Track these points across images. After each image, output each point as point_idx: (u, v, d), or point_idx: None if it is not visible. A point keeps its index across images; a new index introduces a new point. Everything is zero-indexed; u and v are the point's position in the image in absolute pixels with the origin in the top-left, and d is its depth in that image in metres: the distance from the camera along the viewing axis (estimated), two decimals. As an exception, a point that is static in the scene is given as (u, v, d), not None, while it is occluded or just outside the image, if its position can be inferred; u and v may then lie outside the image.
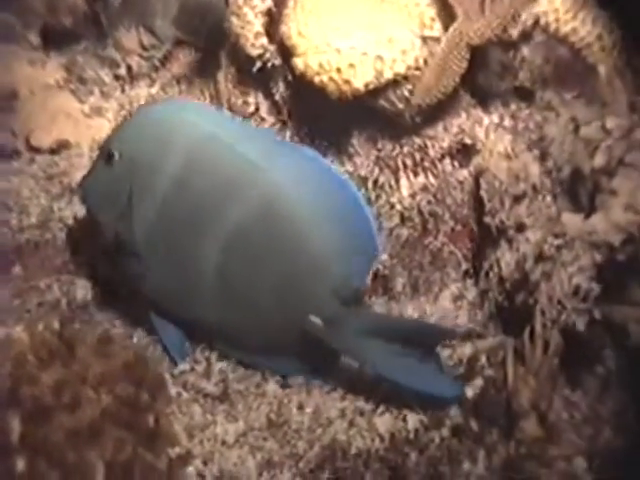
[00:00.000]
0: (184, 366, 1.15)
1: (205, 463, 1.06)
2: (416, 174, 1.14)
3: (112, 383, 1.01)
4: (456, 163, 1.14)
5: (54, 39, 1.64)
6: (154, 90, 1.56)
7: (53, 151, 1.49)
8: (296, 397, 1.13)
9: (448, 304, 1.16)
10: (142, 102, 1.55)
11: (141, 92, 1.55)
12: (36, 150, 1.49)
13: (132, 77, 1.57)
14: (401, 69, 0.98)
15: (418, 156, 1.12)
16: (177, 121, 1.11)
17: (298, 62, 1.00)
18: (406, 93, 1.02)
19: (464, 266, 1.18)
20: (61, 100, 1.53)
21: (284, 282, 1.10)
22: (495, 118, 1.14)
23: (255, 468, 1.05)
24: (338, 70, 0.98)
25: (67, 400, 0.96)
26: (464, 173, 1.14)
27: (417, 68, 1.00)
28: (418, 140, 1.11)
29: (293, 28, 1.01)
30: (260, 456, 1.06)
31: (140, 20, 1.54)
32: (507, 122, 1.13)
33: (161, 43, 1.56)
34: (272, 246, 1.09)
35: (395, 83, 1.01)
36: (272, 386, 1.13)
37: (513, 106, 1.13)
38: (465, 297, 1.16)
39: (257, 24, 1.07)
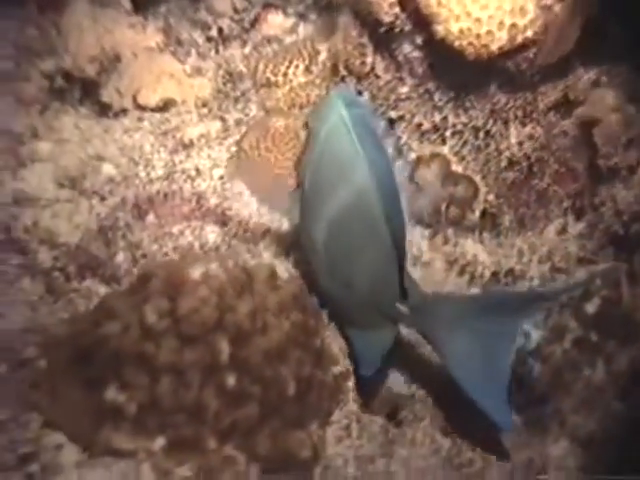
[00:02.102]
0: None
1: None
2: (524, 125, 1.31)
3: (286, 311, 1.17)
4: (559, 115, 1.32)
5: (144, 3, 1.75)
6: (247, 50, 1.69)
7: (160, 109, 1.60)
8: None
9: (553, 236, 1.33)
10: (237, 62, 1.67)
11: (235, 52, 1.69)
12: (142, 108, 1.61)
13: (223, 38, 1.70)
14: (530, 34, 1.15)
15: (528, 109, 1.29)
16: (329, 106, 1.25)
17: (439, 29, 1.17)
18: (531, 55, 1.19)
19: (566, 204, 1.36)
20: (163, 61, 1.65)
21: (375, 267, 1.22)
22: (593, 75, 1.31)
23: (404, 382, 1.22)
24: (477, 36, 1.14)
25: (259, 325, 1.12)
26: (567, 123, 1.31)
27: (542, 34, 1.17)
28: (529, 95, 1.28)
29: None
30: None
31: (234, -17, 1.67)
32: (604, 79, 1.31)
33: (252, 6, 1.68)
34: (362, 232, 1.21)
35: (523, 47, 1.17)
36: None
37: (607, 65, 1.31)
38: (568, 231, 1.34)
39: (392, -6, 1.23)
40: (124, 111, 1.64)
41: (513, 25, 1.17)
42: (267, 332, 1.12)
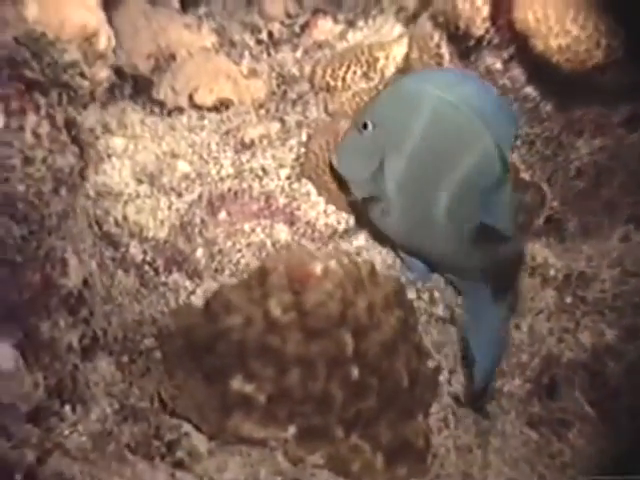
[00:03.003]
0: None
1: (450, 373, 1.29)
2: (595, 137, 1.41)
3: (390, 306, 1.24)
4: (629, 128, 1.42)
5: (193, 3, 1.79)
6: (298, 54, 1.75)
7: (216, 109, 1.65)
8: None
9: (617, 243, 1.43)
10: (290, 64, 1.73)
11: (287, 56, 1.74)
12: (199, 107, 1.66)
13: (274, 42, 1.75)
14: (620, 55, 1.25)
15: (601, 121, 1.39)
16: (417, 92, 1.38)
17: (538, 43, 1.25)
18: (616, 75, 1.29)
19: (629, 211, 1.46)
20: (219, 62, 1.69)
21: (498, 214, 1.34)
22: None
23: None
24: (576, 53, 1.23)
25: (376, 320, 1.19)
26: (635, 137, 1.42)
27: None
28: (603, 109, 1.38)
29: (530, 15, 1.25)
30: (493, 367, 1.31)
31: (288, -11, 1.72)
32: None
33: (303, 11, 1.74)
34: (489, 188, 1.35)
35: (610, 65, 1.27)
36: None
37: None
38: (632, 239, 1.44)
39: (485, 10, 1.31)
40: (179, 109, 1.65)
41: (609, 45, 1.25)
42: (381, 326, 1.18)
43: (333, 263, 1.18)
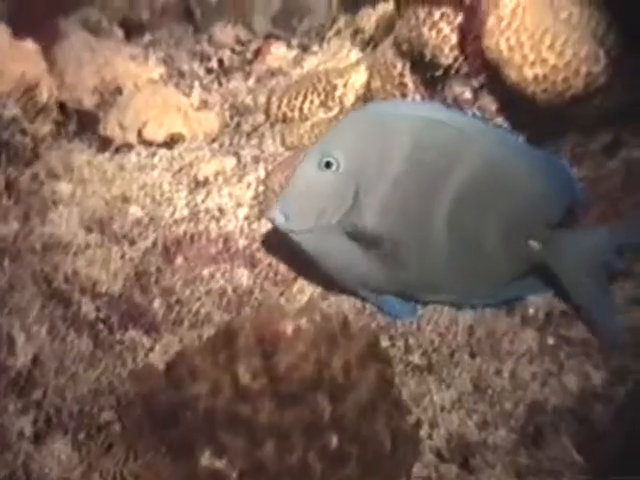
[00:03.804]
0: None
1: (431, 426, 1.21)
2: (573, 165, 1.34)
3: (366, 362, 1.15)
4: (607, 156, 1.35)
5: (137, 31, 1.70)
6: (251, 83, 1.66)
7: (167, 144, 1.55)
8: (490, 365, 1.28)
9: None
10: (243, 94, 1.64)
11: (239, 85, 1.65)
12: (149, 144, 1.56)
13: (225, 71, 1.66)
14: (602, 82, 1.17)
15: (579, 150, 1.32)
16: (388, 116, 1.29)
17: (512, 74, 1.17)
18: (597, 102, 1.21)
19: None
20: (168, 94, 1.60)
21: (506, 220, 1.30)
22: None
23: (475, 427, 1.21)
24: (553, 84, 1.15)
25: (353, 379, 1.10)
26: (615, 164, 1.35)
27: (610, 81, 1.19)
28: (581, 138, 1.31)
29: (503, 43, 1.17)
30: (475, 417, 1.23)
31: (238, 16, 1.63)
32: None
33: (255, 37, 1.65)
34: (493, 193, 1.29)
35: (593, 94, 1.19)
36: (465, 357, 1.29)
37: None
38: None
39: (453, 38, 1.23)
40: (128, 146, 1.55)
41: (589, 73, 1.17)
42: (358, 386, 1.09)
43: (304, 321, 1.08)
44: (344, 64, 1.64)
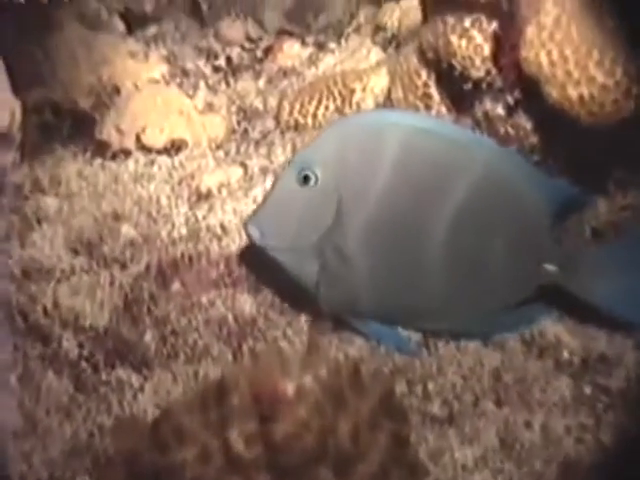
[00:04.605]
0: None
1: (451, 489, 1.06)
2: (615, 196, 1.19)
3: (378, 420, 1.01)
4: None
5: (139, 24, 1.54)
6: (261, 83, 1.50)
7: (167, 151, 1.40)
8: (519, 416, 1.13)
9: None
10: (252, 96, 1.48)
11: (248, 86, 1.49)
12: (148, 149, 1.41)
13: (233, 69, 1.50)
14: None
15: (623, 178, 1.16)
16: (375, 126, 1.16)
17: (553, 93, 1.01)
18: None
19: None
20: (170, 95, 1.45)
21: (512, 242, 1.18)
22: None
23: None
24: (601, 105, 0.99)
25: (362, 446, 0.95)
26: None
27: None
28: (628, 164, 1.15)
29: (543, 56, 1.00)
30: (501, 478, 1.08)
31: (248, 11, 1.47)
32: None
33: (266, 34, 1.49)
34: (497, 210, 1.17)
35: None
36: (491, 406, 1.13)
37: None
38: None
39: (486, 48, 1.06)
40: (126, 152, 1.40)
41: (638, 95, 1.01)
42: (368, 453, 0.95)
43: (309, 380, 0.93)
44: (363, 65, 1.46)
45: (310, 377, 0.95)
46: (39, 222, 1.25)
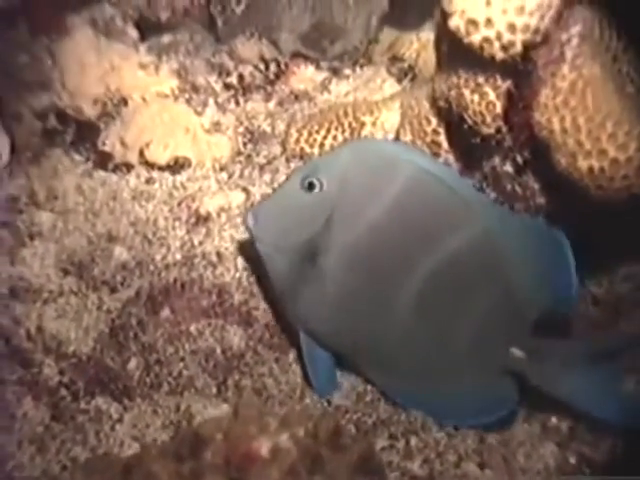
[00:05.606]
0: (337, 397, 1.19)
1: None
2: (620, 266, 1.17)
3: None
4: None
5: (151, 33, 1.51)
6: (272, 105, 1.47)
7: (170, 168, 1.38)
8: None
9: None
10: (261, 118, 1.45)
11: (258, 107, 1.46)
12: (151, 165, 1.38)
13: (244, 88, 1.47)
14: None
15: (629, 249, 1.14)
16: (390, 156, 1.15)
17: (562, 161, 0.98)
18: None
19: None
20: (177, 111, 1.42)
21: (487, 314, 1.14)
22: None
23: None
24: (611, 180, 0.96)
25: (335, 510, 0.93)
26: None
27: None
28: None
29: (556, 122, 0.97)
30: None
31: (263, 31, 1.44)
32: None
33: (281, 55, 1.46)
34: (477, 279, 1.14)
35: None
36: (472, 468, 1.11)
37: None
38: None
39: (498, 106, 1.03)
40: (127, 166, 1.37)
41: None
42: (342, 516, 0.92)
43: (285, 439, 0.91)
44: (376, 96, 1.43)
45: (287, 435, 0.92)
46: (31, 238, 1.22)
